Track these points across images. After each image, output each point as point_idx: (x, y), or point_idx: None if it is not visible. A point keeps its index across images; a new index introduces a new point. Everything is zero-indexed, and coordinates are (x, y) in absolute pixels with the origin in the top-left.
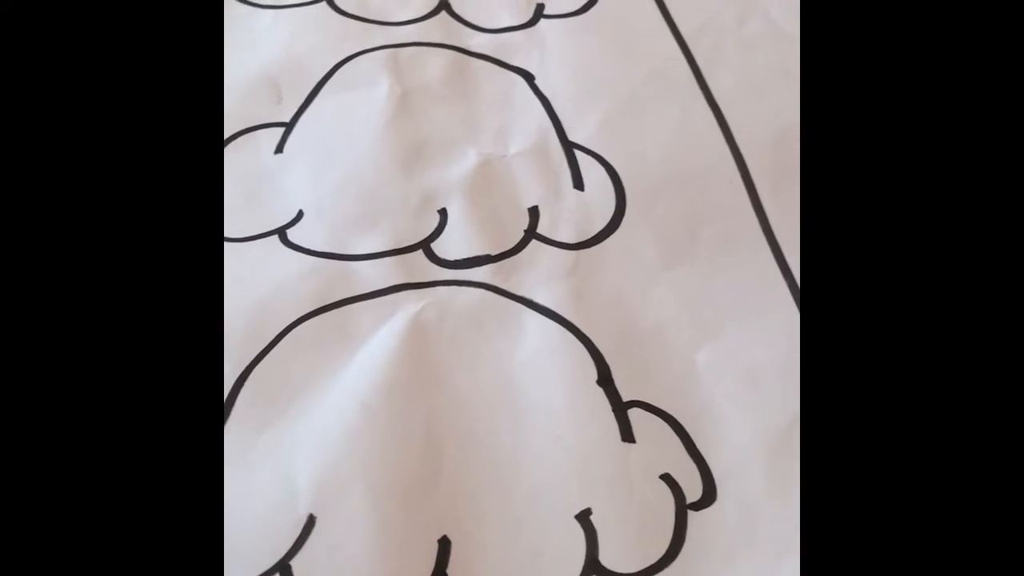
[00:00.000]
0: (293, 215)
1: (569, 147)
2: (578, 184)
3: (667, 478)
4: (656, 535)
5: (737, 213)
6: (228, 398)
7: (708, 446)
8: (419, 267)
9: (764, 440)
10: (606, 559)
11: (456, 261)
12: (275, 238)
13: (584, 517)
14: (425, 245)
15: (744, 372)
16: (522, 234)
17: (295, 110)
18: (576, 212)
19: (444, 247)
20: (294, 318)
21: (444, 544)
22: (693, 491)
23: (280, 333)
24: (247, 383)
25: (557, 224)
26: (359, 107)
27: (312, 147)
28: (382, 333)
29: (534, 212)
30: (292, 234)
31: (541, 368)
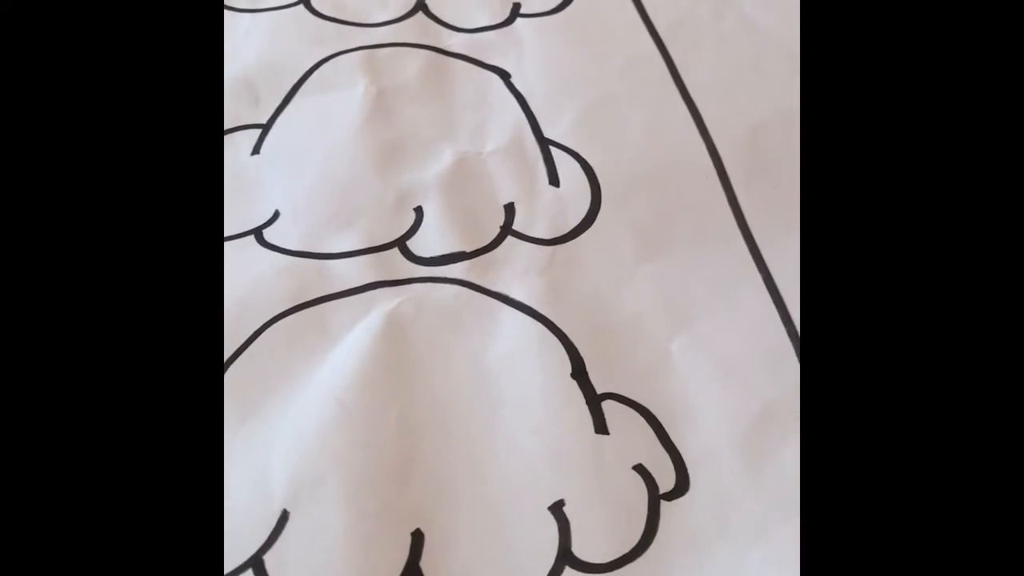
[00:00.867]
0: (270, 215)
1: (545, 144)
2: (554, 180)
3: (640, 469)
4: (628, 525)
5: (711, 207)
6: None
7: (681, 436)
8: (395, 265)
9: (736, 430)
10: (579, 550)
11: (432, 258)
12: (251, 238)
13: (557, 508)
14: (401, 243)
15: (717, 363)
16: (498, 230)
17: (272, 112)
18: (552, 208)
19: (420, 245)
20: (270, 316)
21: (417, 537)
22: (666, 481)
23: (256, 331)
24: (224, 380)
25: (533, 220)
26: (335, 108)
27: (289, 148)
28: (358, 330)
29: (510, 209)
30: (268, 234)
31: (516, 362)
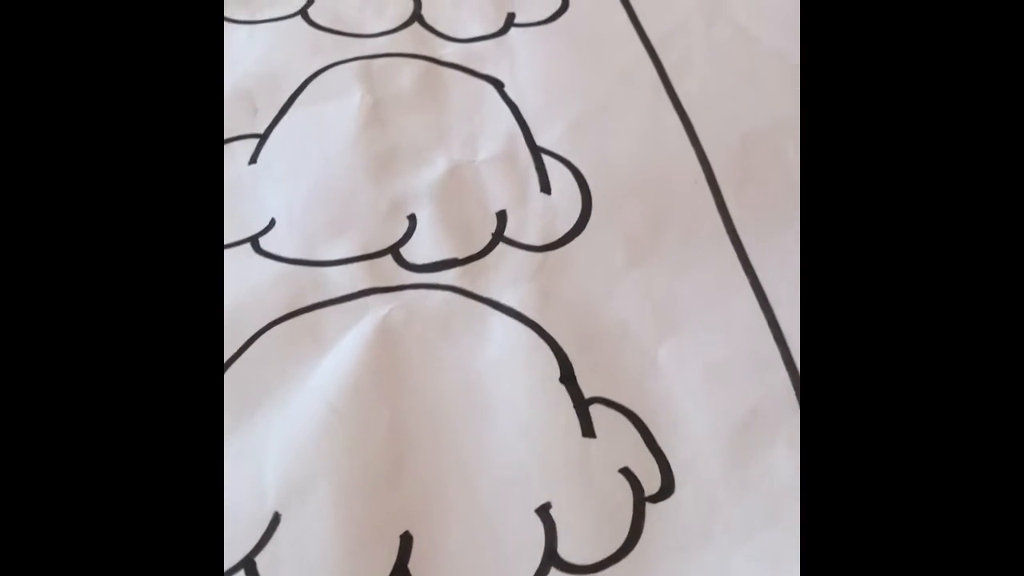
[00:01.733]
0: (266, 223)
1: (537, 152)
2: (545, 188)
3: (626, 472)
4: (614, 527)
5: (701, 214)
6: None
7: (667, 440)
8: (388, 271)
9: (722, 434)
10: (564, 551)
11: (424, 265)
12: (247, 246)
13: (544, 511)
14: (394, 250)
15: (704, 368)
16: (489, 237)
17: (269, 122)
18: (543, 215)
19: (413, 252)
20: (265, 323)
21: (406, 540)
22: (652, 484)
23: (251, 338)
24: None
25: (524, 227)
26: (331, 117)
27: (285, 157)
28: (350, 336)
29: (502, 216)
30: (264, 242)
31: (505, 367)
